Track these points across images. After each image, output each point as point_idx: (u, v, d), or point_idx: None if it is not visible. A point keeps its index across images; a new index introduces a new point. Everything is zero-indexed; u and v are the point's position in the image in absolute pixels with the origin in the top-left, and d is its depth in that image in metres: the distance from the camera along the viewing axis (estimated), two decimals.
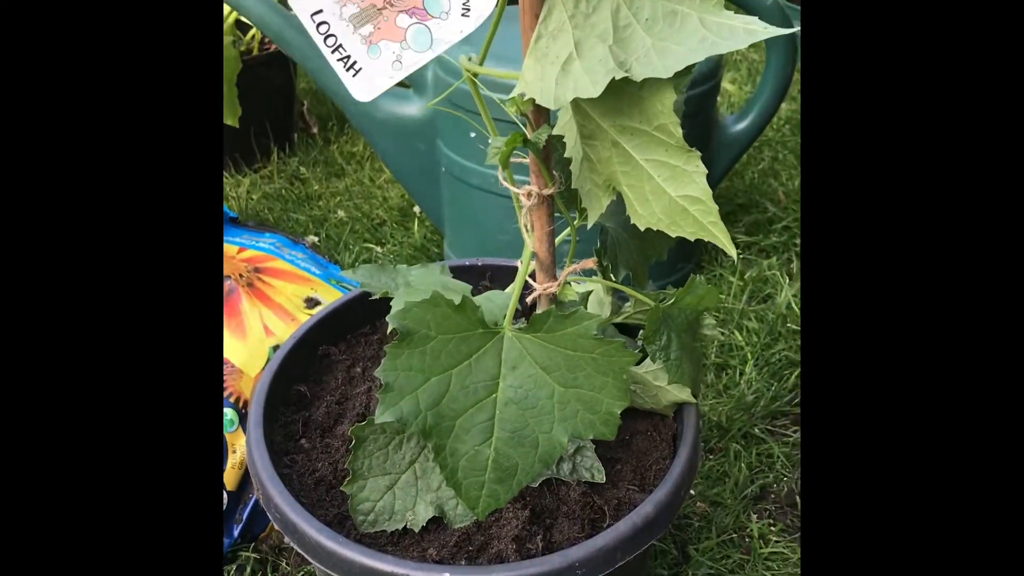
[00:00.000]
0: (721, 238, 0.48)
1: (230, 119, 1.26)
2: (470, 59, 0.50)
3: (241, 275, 1.01)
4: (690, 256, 1.19)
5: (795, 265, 1.22)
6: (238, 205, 1.38)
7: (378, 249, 1.28)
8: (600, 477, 0.60)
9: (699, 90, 1.06)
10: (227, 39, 1.29)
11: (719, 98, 1.51)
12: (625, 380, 0.49)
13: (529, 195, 0.52)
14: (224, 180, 1.43)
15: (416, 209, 1.35)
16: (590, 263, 0.56)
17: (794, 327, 1.11)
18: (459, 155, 1.07)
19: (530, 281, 0.57)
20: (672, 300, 0.61)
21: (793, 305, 1.13)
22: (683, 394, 0.63)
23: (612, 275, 0.60)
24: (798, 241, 1.27)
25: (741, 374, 1.05)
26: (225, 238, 1.13)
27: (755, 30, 0.45)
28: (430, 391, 0.49)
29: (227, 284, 0.99)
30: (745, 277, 1.18)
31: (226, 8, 1.30)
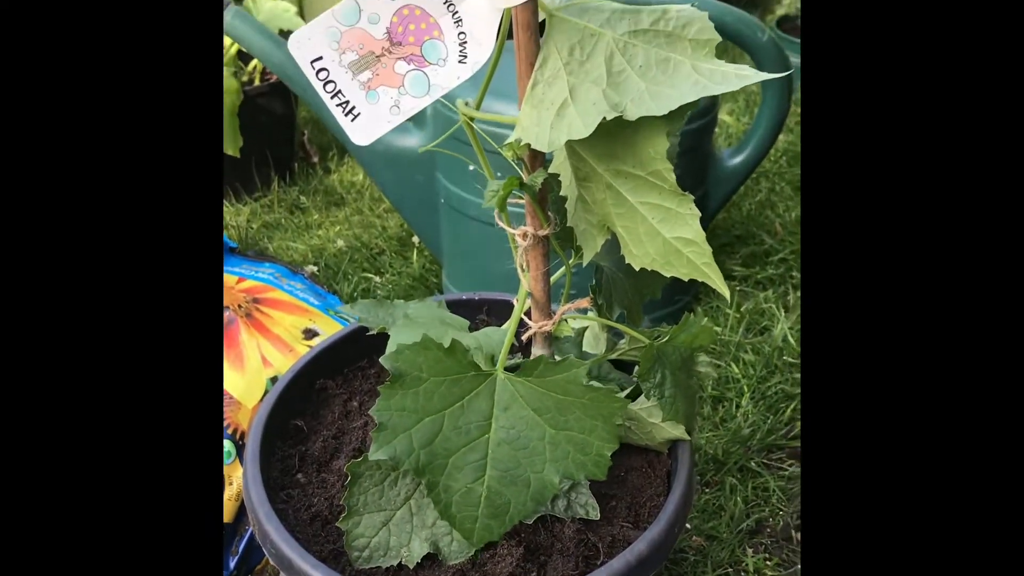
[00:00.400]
0: (715, 279, 0.48)
1: (231, 150, 1.28)
2: (467, 104, 0.51)
3: (240, 305, 1.02)
4: (687, 288, 1.19)
5: (791, 297, 1.23)
6: (238, 234, 1.39)
7: (377, 279, 1.29)
8: (595, 514, 0.60)
9: (696, 125, 1.07)
10: (229, 70, 1.31)
11: (716, 129, 1.53)
12: (615, 424, 0.49)
13: (525, 236, 0.53)
14: (224, 209, 1.44)
15: (415, 239, 1.36)
16: (584, 302, 0.56)
17: (790, 360, 1.11)
18: (458, 187, 1.08)
19: (526, 319, 0.57)
20: (667, 338, 0.61)
21: (789, 338, 1.13)
22: (677, 431, 0.63)
23: (607, 313, 0.60)
24: (795, 273, 1.28)
25: (737, 407, 1.05)
26: (225, 268, 1.13)
27: (746, 75, 0.46)
28: (423, 431, 0.50)
29: (226, 315, 0.99)
30: (742, 309, 1.19)
31: (228, 40, 1.31)
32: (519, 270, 0.56)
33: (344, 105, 0.47)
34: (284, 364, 0.95)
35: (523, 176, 0.51)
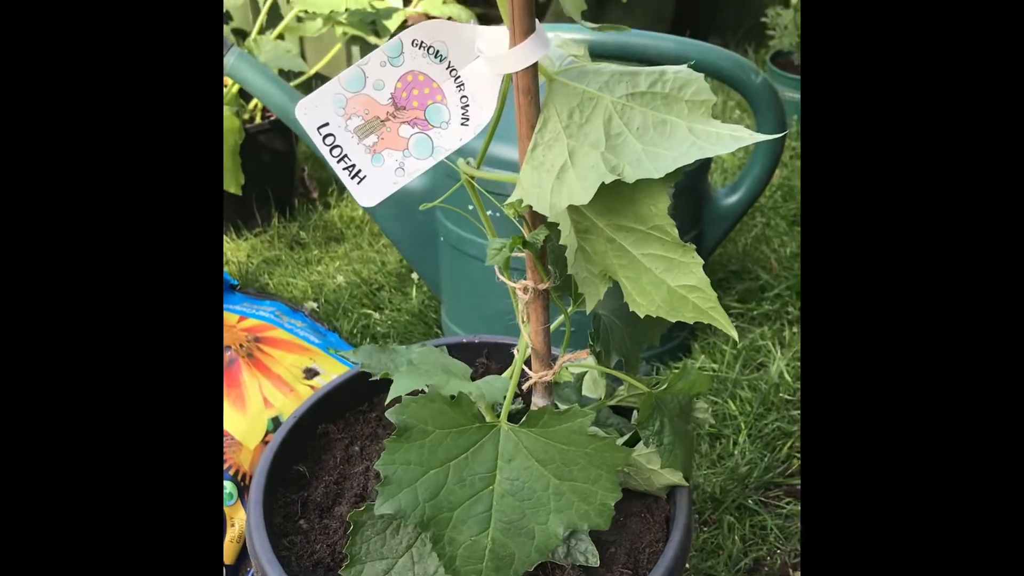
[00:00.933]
0: (722, 322, 0.49)
1: (233, 187, 1.29)
2: (468, 163, 0.52)
3: (241, 345, 1.02)
4: (684, 325, 1.20)
5: (787, 333, 1.24)
6: (238, 270, 1.40)
7: (376, 315, 1.30)
8: (594, 561, 0.61)
9: (691, 165, 1.08)
10: (231, 109, 1.32)
11: (712, 164, 1.54)
12: (618, 474, 0.50)
13: (525, 290, 0.54)
14: (224, 244, 1.45)
15: (414, 275, 1.37)
16: (583, 354, 0.57)
17: (786, 397, 1.12)
18: (457, 225, 1.09)
19: (526, 369, 0.58)
20: (665, 386, 0.62)
21: (786, 375, 1.14)
22: (676, 477, 0.64)
23: (606, 361, 0.61)
24: (790, 309, 1.29)
25: (735, 444, 1.06)
26: (225, 306, 1.14)
27: (741, 136, 0.47)
28: (428, 483, 0.50)
29: (227, 355, 1.00)
30: (739, 346, 1.20)
31: (228, 79, 1.33)
32: (519, 322, 0.57)
33: (350, 168, 0.48)
34: (285, 404, 0.96)
35: (524, 233, 0.52)
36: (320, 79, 1.94)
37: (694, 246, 0.48)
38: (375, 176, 0.49)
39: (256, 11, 2.03)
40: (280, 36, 1.43)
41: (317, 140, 0.47)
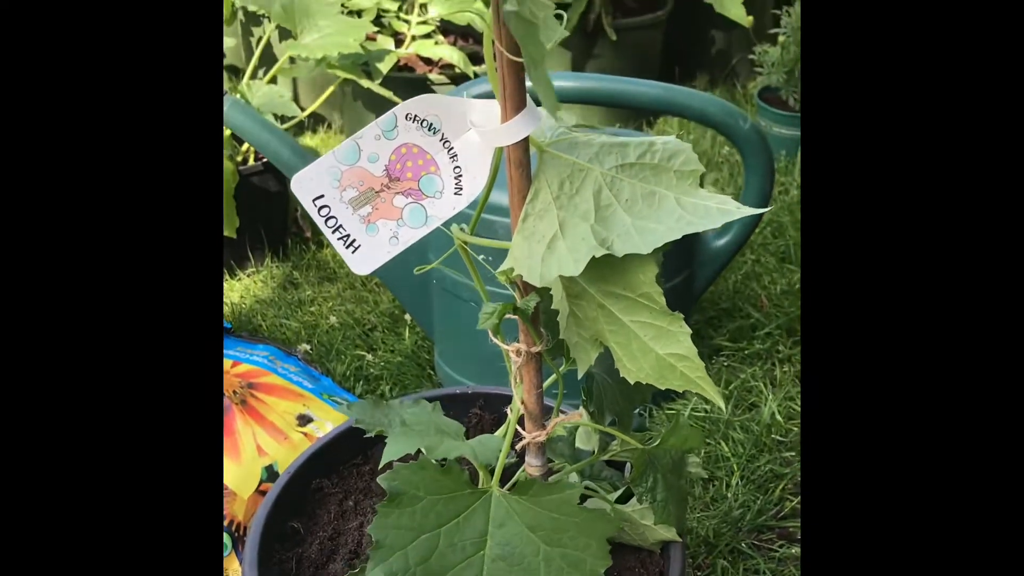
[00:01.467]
0: (710, 392, 0.50)
1: (228, 231, 1.30)
2: (462, 229, 0.53)
3: (235, 392, 1.03)
4: None
5: (778, 372, 1.25)
6: (232, 312, 1.41)
7: (369, 356, 1.30)
8: None
9: None
10: (224, 152, 1.33)
11: None
12: (607, 543, 0.51)
13: (519, 352, 0.55)
14: None
15: (407, 316, 1.38)
16: (577, 416, 0.58)
17: (778, 438, 1.13)
18: (451, 269, 1.10)
19: (519, 429, 0.59)
20: (657, 442, 0.63)
21: (777, 415, 1.15)
22: (669, 533, 0.64)
23: (599, 419, 0.62)
24: (780, 348, 1.30)
25: (727, 486, 1.07)
26: None
27: (728, 210, 0.48)
28: (419, 548, 0.51)
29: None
30: (731, 387, 1.20)
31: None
32: (512, 383, 0.58)
33: (345, 238, 0.49)
34: (279, 452, 0.96)
35: (517, 298, 0.53)
36: (314, 118, 1.95)
37: (681, 315, 0.49)
38: (369, 245, 0.49)
39: (248, 49, 2.05)
40: (273, 79, 1.44)
41: (313, 212, 0.48)
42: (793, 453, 1.11)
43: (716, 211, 0.47)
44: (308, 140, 1.99)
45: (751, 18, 1.94)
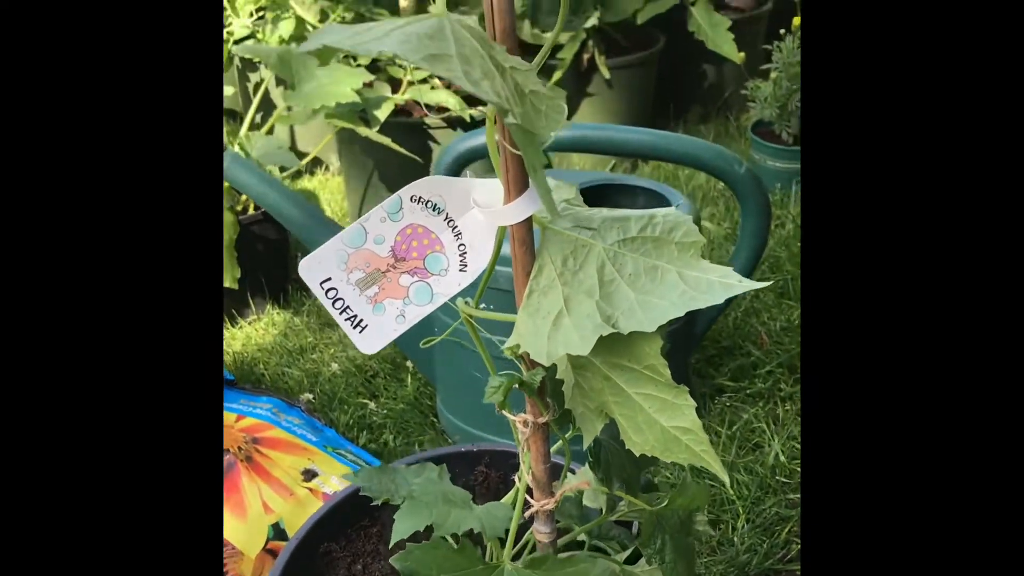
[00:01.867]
0: (714, 466, 0.50)
1: (229, 282, 1.30)
2: (467, 302, 0.53)
3: (240, 448, 1.03)
4: None
5: (780, 411, 1.25)
6: (234, 361, 1.41)
7: (372, 404, 1.30)
8: None
9: None
10: (224, 204, 1.34)
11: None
12: None
13: (525, 423, 0.55)
14: None
15: (408, 362, 1.38)
16: (585, 484, 0.58)
17: (783, 479, 1.13)
18: (453, 319, 1.10)
19: (528, 498, 0.59)
20: (665, 502, 0.63)
21: (781, 456, 1.15)
22: None
23: (607, 485, 0.62)
24: (782, 386, 1.30)
25: (733, 529, 1.07)
26: (223, 404, 1.15)
27: (731, 284, 0.49)
28: None
29: (226, 459, 1.01)
30: (733, 429, 1.21)
31: None
32: (520, 452, 0.58)
33: (352, 319, 0.49)
34: (285, 509, 0.96)
35: (523, 371, 0.53)
36: (312, 161, 1.96)
37: (686, 388, 0.49)
38: (376, 325, 0.50)
39: (245, 93, 2.07)
40: (270, 130, 1.45)
41: (320, 295, 0.49)
42: (799, 495, 1.11)
43: (719, 285, 0.48)
44: (306, 183, 2.00)
45: (743, 54, 1.96)
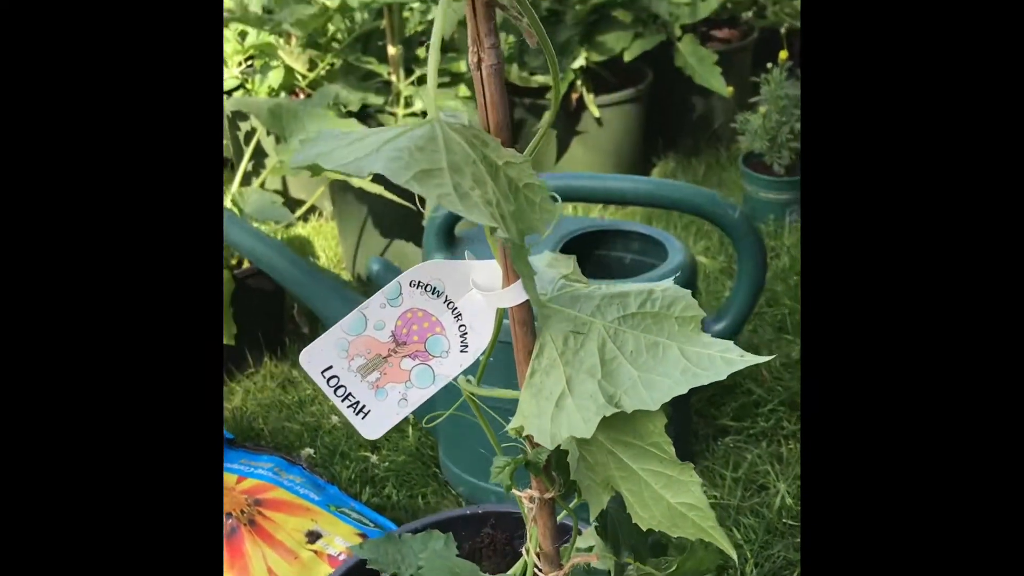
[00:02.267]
0: (721, 541, 0.50)
1: (226, 339, 1.30)
2: (469, 380, 0.53)
3: (243, 511, 1.02)
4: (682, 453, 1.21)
5: (784, 450, 1.25)
6: (233, 417, 1.40)
7: (373, 458, 1.29)
8: None
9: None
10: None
11: (696, 275, 1.57)
12: None
13: (531, 499, 0.55)
14: None
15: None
16: (593, 558, 0.58)
17: (790, 522, 1.12)
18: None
19: (537, 573, 0.59)
20: (674, 567, 0.63)
21: (787, 498, 1.15)
22: None
23: (616, 555, 0.62)
24: (785, 424, 1.30)
25: (742, 575, 1.06)
26: (224, 465, 1.14)
27: (732, 359, 0.49)
28: None
29: (229, 523, 1.00)
30: (739, 471, 1.20)
31: None
32: (527, 524, 0.57)
33: (355, 406, 0.49)
34: (289, 573, 0.95)
35: (528, 448, 0.53)
36: (309, 209, 1.97)
37: (691, 464, 0.49)
38: (379, 410, 0.50)
39: (236, 142, 2.08)
40: (263, 183, 1.46)
41: (322, 383, 0.48)
42: None
43: (721, 361, 0.48)
44: (300, 230, 2.00)
45: (731, 88, 1.98)
